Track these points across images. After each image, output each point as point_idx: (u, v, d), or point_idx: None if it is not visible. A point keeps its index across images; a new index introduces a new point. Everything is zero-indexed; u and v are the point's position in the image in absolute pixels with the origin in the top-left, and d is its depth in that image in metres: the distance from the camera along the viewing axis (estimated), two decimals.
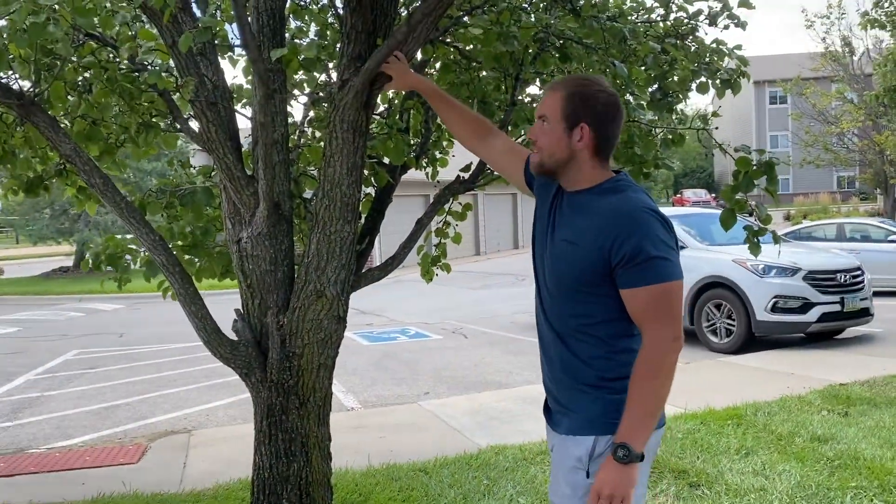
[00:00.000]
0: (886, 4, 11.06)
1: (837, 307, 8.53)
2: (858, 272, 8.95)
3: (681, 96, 3.25)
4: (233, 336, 2.70)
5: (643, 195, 1.90)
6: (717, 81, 3.39)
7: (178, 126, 2.88)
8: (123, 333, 12.69)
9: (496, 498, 4.11)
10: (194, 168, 3.30)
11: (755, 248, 2.78)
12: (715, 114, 3.01)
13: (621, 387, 1.82)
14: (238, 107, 3.11)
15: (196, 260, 3.13)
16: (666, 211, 10.38)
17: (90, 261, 3.05)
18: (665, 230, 1.82)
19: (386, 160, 3.32)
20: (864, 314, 8.88)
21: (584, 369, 1.89)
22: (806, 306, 8.45)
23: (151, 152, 3.36)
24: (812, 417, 5.41)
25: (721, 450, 4.75)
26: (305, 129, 3.50)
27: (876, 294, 9.71)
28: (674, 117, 3.13)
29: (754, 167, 2.59)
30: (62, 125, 2.83)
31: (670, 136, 3.05)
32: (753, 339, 8.66)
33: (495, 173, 3.24)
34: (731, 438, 4.96)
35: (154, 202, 2.98)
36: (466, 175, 3.16)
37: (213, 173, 3.10)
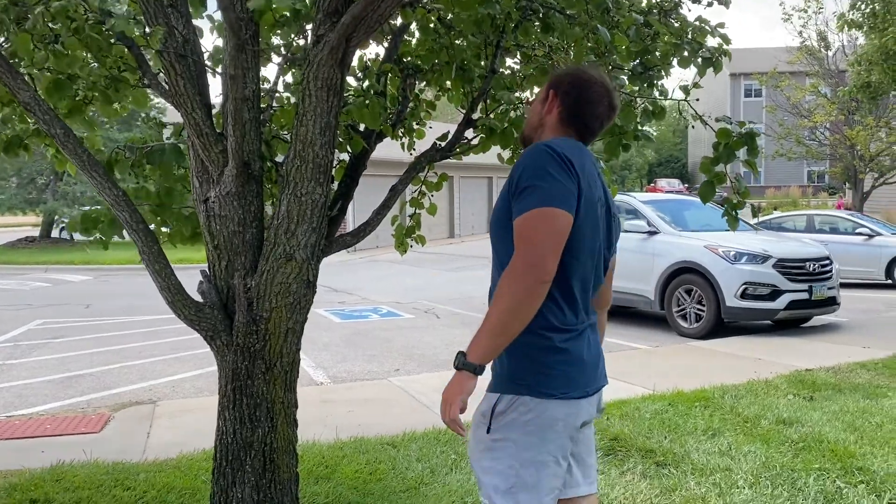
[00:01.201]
0: (863, 6, 11.14)
1: (806, 295, 8.64)
2: (827, 261, 9.06)
3: (662, 72, 3.22)
4: (198, 298, 2.62)
5: (561, 141, 1.92)
6: (699, 59, 3.36)
7: (147, 82, 2.78)
8: (90, 304, 12.47)
9: (463, 472, 4.09)
10: (168, 127, 3.18)
11: (733, 222, 2.75)
12: (696, 85, 2.98)
13: (523, 347, 1.85)
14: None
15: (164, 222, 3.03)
16: (640, 197, 10.49)
17: (77, 223, 2.93)
18: (552, 160, 1.81)
19: (361, 127, 3.25)
20: (832, 303, 9.01)
21: None
22: (775, 293, 8.54)
23: (123, 113, 3.25)
24: (778, 401, 5.47)
25: (688, 430, 4.78)
26: (279, 91, 3.41)
27: (842, 285, 9.85)
28: (655, 92, 3.10)
29: (735, 138, 2.56)
30: (26, 75, 2.72)
31: (651, 108, 3.02)
32: (722, 325, 8.75)
33: (473, 143, 3.19)
34: (698, 420, 5.00)
35: (122, 160, 2.88)
36: (443, 143, 3.10)
37: (183, 130, 3.00)
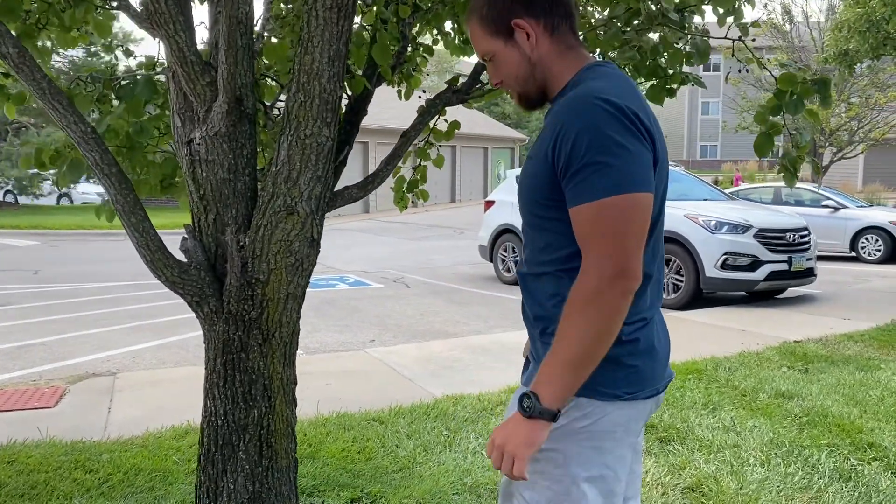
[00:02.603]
0: None
1: (785, 266, 8.54)
2: (806, 232, 8.99)
3: (697, 16, 2.91)
4: (182, 257, 2.24)
5: (608, 82, 1.46)
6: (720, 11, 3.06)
7: (116, 3, 2.36)
8: (39, 270, 11.81)
9: (458, 450, 3.81)
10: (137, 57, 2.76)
11: (790, 178, 2.47)
12: (755, 23, 2.68)
13: None
14: None
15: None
16: None
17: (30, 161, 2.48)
18: (616, 121, 1.37)
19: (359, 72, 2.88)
20: (809, 274, 8.94)
21: (540, 315, 1.55)
22: (755, 264, 8.42)
23: (82, 41, 2.81)
24: (773, 374, 5.31)
25: (687, 405, 4.57)
26: (264, 33, 3.00)
27: None
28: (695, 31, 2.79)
29: (801, 83, 2.27)
30: None
31: (699, 48, 2.70)
32: (700, 296, 8.61)
33: (487, 87, 2.84)
34: (695, 393, 4.80)
35: (83, 94, 2.46)
36: (457, 86, 2.74)
37: (157, 60, 2.58)
